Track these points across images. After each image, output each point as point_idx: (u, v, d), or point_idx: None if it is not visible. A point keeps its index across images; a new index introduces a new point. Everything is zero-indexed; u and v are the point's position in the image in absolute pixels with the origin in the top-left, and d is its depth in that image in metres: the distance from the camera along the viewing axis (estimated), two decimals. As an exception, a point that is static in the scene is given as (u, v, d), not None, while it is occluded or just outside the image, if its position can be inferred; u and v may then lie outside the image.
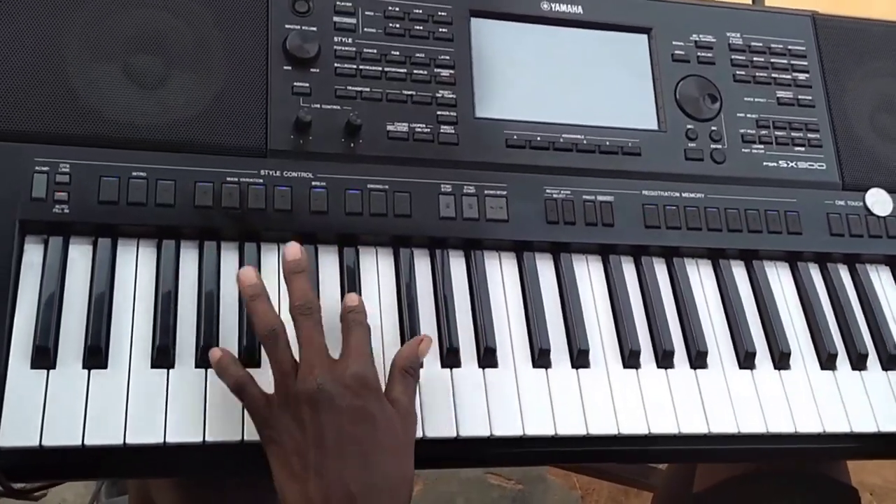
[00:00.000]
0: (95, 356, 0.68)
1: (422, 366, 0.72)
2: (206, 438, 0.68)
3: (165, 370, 0.69)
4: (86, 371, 0.68)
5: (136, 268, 0.73)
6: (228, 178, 0.76)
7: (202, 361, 0.70)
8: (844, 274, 0.91)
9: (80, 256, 0.72)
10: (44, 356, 0.67)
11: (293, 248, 0.71)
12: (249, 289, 0.69)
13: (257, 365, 0.71)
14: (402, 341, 0.75)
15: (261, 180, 0.77)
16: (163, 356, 0.70)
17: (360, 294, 0.76)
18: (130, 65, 0.76)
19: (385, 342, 0.75)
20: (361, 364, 0.67)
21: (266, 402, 0.66)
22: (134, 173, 0.74)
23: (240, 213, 0.75)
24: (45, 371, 0.67)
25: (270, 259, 0.76)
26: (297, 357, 0.67)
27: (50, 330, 0.68)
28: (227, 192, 0.75)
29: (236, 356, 0.70)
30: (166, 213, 0.74)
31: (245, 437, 0.68)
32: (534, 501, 1.71)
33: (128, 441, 0.66)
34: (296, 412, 0.65)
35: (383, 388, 0.69)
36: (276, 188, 0.77)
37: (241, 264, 0.75)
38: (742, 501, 0.95)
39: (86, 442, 0.65)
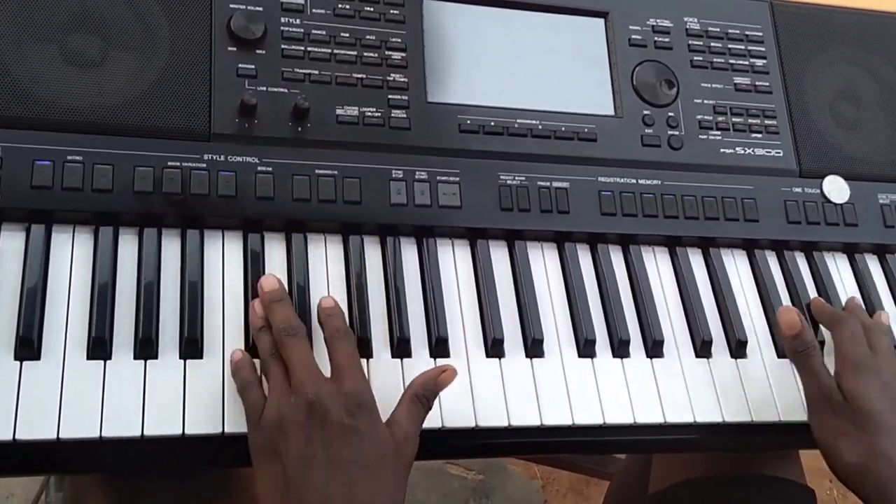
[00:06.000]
0: (27, 347, 0.65)
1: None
2: (145, 433, 0.65)
3: (102, 362, 0.67)
4: (17, 363, 0.65)
5: (71, 255, 0.70)
6: (170, 163, 0.73)
7: (140, 353, 0.68)
8: (801, 261, 0.90)
9: (11, 244, 0.69)
10: (-28, 348, 0.64)
11: (270, 280, 0.71)
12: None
13: (200, 356, 0.69)
14: (353, 331, 0.73)
15: (204, 165, 0.74)
16: (99, 347, 0.67)
17: (308, 284, 0.74)
18: (66, 44, 0.73)
19: (333, 332, 0.73)
20: (356, 382, 0.66)
21: (262, 408, 0.65)
22: (69, 157, 0.71)
23: (182, 198, 0.73)
24: (-26, 363, 0.65)
25: (214, 246, 0.74)
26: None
27: (-21, 320, 0.65)
28: (169, 178, 0.73)
29: (178, 342, 0.69)
30: (104, 198, 0.71)
31: (186, 431, 0.66)
32: (494, 491, 1.70)
33: (62, 436, 0.63)
34: (286, 423, 0.64)
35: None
36: (219, 173, 0.74)
37: (183, 252, 0.72)
38: (699, 501, 0.94)
39: (17, 437, 0.63)
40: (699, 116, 0.90)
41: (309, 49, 0.80)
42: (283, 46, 0.79)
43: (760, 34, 0.95)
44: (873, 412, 0.73)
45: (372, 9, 0.83)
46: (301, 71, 0.79)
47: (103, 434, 0.64)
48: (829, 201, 0.91)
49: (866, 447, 0.72)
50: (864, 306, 0.88)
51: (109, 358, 0.67)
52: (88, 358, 0.67)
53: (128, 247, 0.72)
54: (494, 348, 0.76)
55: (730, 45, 0.93)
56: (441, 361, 0.74)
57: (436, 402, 0.72)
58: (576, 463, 1.56)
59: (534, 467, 1.72)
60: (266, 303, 0.70)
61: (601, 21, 0.90)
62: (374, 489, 0.63)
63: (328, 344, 0.69)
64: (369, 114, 0.80)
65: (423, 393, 0.69)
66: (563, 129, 0.85)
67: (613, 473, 1.47)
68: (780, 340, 0.83)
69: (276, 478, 0.63)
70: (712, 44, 0.93)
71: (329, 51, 0.80)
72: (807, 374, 0.78)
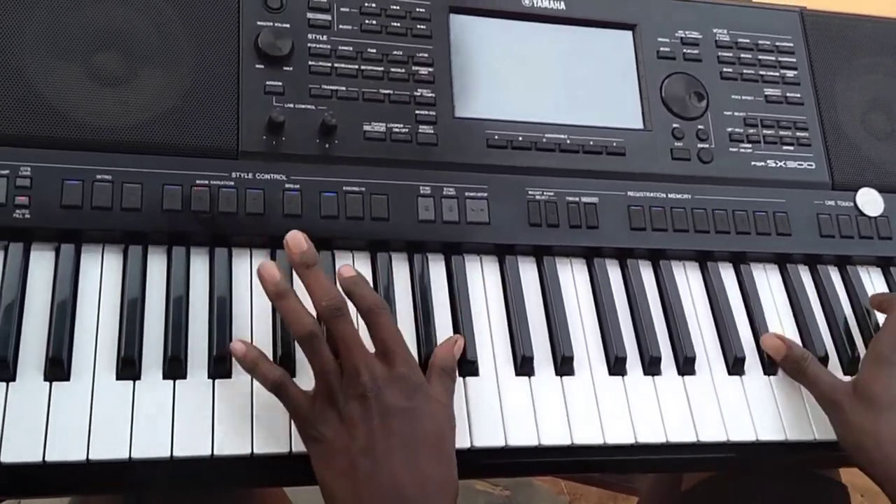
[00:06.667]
0: (57, 368, 0.65)
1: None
2: (175, 454, 0.65)
3: (131, 382, 0.66)
4: (47, 383, 0.65)
5: (100, 275, 0.70)
6: (198, 181, 0.73)
7: (169, 373, 0.67)
8: (835, 276, 0.89)
9: (41, 263, 0.69)
10: (2, 368, 0.64)
11: (296, 239, 0.66)
12: (274, 287, 0.65)
13: (229, 375, 0.68)
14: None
15: (232, 183, 0.74)
16: (128, 368, 0.67)
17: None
18: (94, 63, 0.73)
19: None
20: (406, 362, 0.66)
21: (308, 401, 0.64)
22: (98, 176, 0.71)
23: (210, 216, 0.72)
24: (4, 384, 0.64)
25: (242, 264, 0.74)
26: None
27: (9, 340, 0.65)
28: (197, 196, 0.72)
29: (207, 361, 0.68)
30: (133, 217, 0.71)
31: (215, 453, 0.65)
32: (521, 507, 1.69)
33: (91, 457, 0.63)
34: (343, 412, 0.63)
35: None
36: (247, 191, 0.74)
37: (211, 270, 0.72)
38: (732, 495, 0.92)
39: (47, 458, 0.62)
40: (729, 129, 0.89)
41: (336, 65, 0.79)
42: (310, 63, 0.79)
43: (791, 45, 0.94)
44: (884, 400, 0.73)
45: (399, 24, 0.82)
46: (328, 87, 0.79)
47: (133, 455, 0.64)
48: (862, 214, 0.89)
49: (887, 436, 0.73)
50: None
51: (139, 378, 0.67)
52: (118, 378, 0.66)
53: (156, 266, 0.71)
54: (524, 366, 0.75)
55: (760, 56, 0.92)
56: (471, 380, 0.73)
57: (465, 421, 0.71)
58: (603, 479, 1.55)
59: (561, 483, 1.71)
60: (298, 267, 0.66)
61: (629, 33, 0.89)
62: (435, 465, 0.64)
63: (367, 319, 0.67)
64: (396, 130, 0.79)
65: (448, 366, 0.70)
66: (591, 143, 0.84)
67: (640, 490, 1.46)
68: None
69: (341, 465, 0.63)
70: (742, 55, 0.92)
71: (356, 67, 0.80)
72: (810, 382, 0.78)
